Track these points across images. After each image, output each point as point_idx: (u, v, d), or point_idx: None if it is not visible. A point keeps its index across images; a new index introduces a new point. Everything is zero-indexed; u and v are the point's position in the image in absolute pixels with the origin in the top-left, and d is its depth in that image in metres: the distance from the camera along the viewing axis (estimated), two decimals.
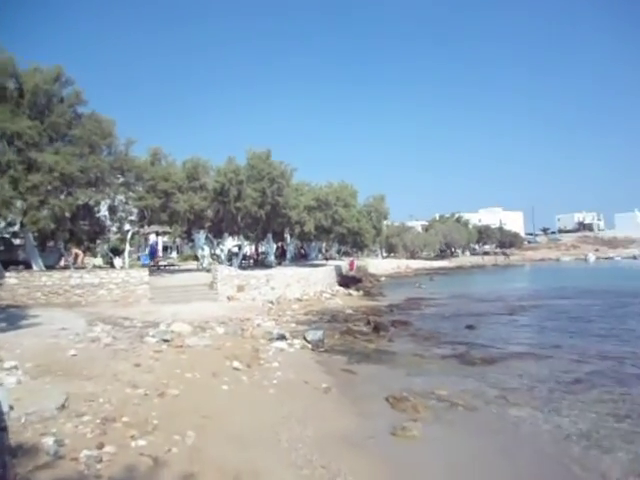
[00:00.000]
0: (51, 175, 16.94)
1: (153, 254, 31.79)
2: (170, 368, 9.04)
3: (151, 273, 20.94)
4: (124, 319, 15.15)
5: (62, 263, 22.75)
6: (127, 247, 23.00)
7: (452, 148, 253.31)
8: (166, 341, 11.83)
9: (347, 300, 25.36)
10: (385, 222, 37.97)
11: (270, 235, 31.81)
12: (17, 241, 22.71)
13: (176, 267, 29.30)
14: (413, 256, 75.93)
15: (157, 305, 18.21)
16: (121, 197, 22.14)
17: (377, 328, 15.21)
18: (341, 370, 9.92)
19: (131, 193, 21.89)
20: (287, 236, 35.42)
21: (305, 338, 13.12)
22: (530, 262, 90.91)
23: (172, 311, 16.71)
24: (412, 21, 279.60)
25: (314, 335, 13.10)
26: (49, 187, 17.01)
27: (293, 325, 15.89)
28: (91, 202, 20.14)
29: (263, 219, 26.24)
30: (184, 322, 14.51)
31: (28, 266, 19.72)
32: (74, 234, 20.13)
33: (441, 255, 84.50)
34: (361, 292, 29.82)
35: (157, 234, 40.23)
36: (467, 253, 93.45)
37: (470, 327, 15.74)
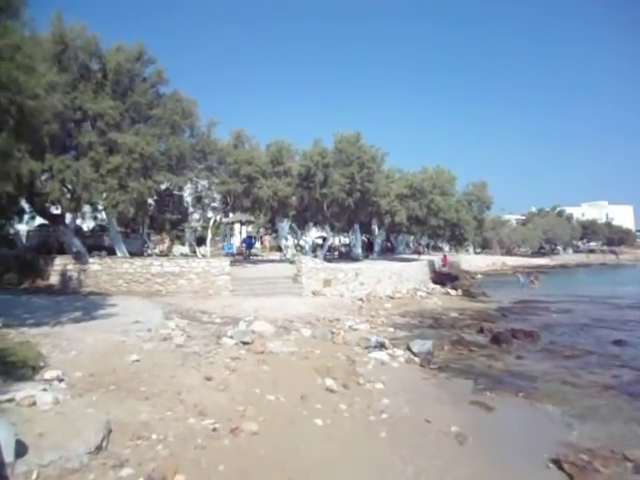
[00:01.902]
0: (131, 157, 15.93)
1: (250, 245, 31.07)
2: (248, 385, 7.04)
3: (233, 263, 19.56)
4: (202, 313, 13.69)
5: (149, 251, 22.23)
6: (209, 235, 21.87)
7: (550, 136, 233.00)
8: (245, 344, 9.98)
9: (446, 300, 22.35)
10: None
11: (357, 226, 29.50)
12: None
13: (259, 257, 28.05)
14: (509, 252, 69.76)
15: (238, 298, 16.68)
16: (204, 182, 21.06)
17: (497, 339, 12.28)
18: (470, 402, 7.32)
19: (214, 178, 20.68)
20: (374, 227, 32.90)
21: (410, 349, 10.62)
22: None
23: (253, 305, 15.05)
24: None
25: (421, 346, 10.56)
26: (129, 169, 16.02)
27: (391, 330, 13.43)
28: (173, 187, 19.12)
29: (351, 207, 23.94)
30: (266, 320, 12.68)
31: (112, 252, 19.21)
32: (156, 220, 19.20)
33: (540, 252, 76.96)
34: (459, 291, 26.48)
35: (241, 223, 39.66)
36: (570, 250, 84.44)
37: (619, 343, 12.27)
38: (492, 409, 7.09)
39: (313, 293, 18.80)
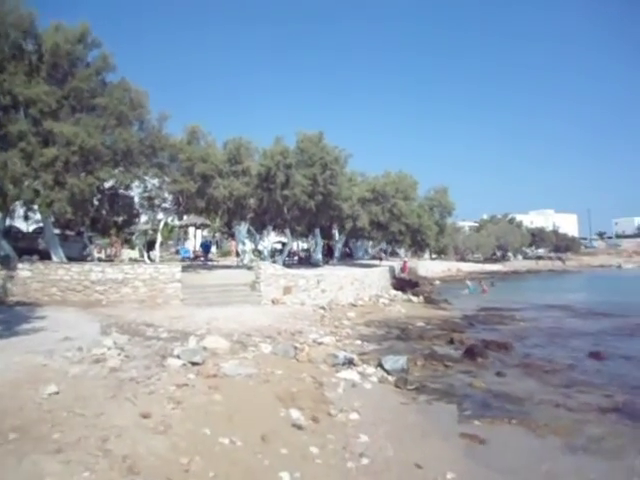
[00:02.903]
0: (69, 149, 14.13)
1: (208, 249, 29.34)
2: (196, 423, 5.70)
3: (185, 269, 17.94)
4: (147, 326, 12.09)
5: (92, 256, 20.11)
6: (159, 238, 20.11)
7: (498, 147, 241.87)
8: (195, 365, 8.57)
9: (409, 308, 21.59)
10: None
11: (318, 230, 28.41)
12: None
13: (214, 263, 26.39)
14: (463, 258, 70.86)
15: (189, 308, 15.13)
16: (154, 181, 19.31)
17: (471, 352, 11.44)
18: (461, 435, 6.30)
19: (165, 177, 18.99)
20: (335, 232, 31.91)
21: (382, 366, 9.57)
22: (588, 268, 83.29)
23: (207, 316, 13.58)
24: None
25: (394, 363, 9.53)
26: (67, 163, 14.20)
27: (358, 342, 12.34)
28: (119, 185, 17.29)
29: (312, 211, 22.79)
30: (220, 334, 11.28)
31: (48, 257, 17.13)
32: (98, 221, 17.30)
33: (492, 258, 78.70)
34: (421, 298, 25.90)
35: (196, 227, 37.68)
36: (519, 257, 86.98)
37: (597, 355, 11.72)
38: (486, 442, 6.09)
39: (272, 302, 17.49)
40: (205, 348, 9.93)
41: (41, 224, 20.08)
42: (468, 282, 34.33)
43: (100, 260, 20.28)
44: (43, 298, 14.90)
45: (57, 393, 6.12)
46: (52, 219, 16.95)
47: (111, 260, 21.20)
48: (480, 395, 8.36)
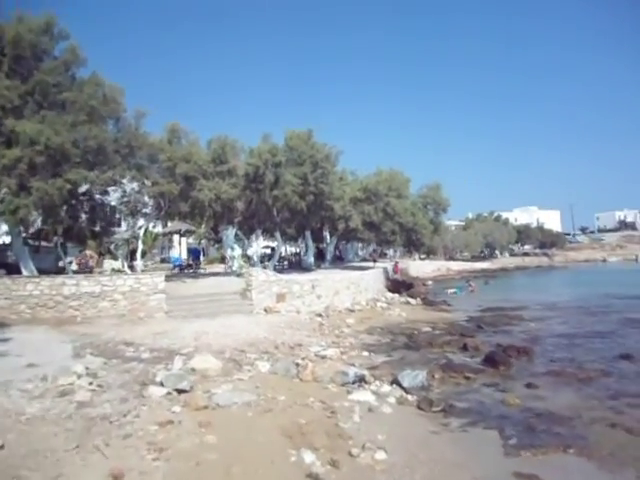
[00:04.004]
0: (33, 149, 12.66)
1: (197, 256, 27.82)
2: None
3: (168, 279, 16.51)
4: (127, 345, 10.70)
5: (68, 267, 18.44)
6: (140, 246, 18.61)
7: (480, 147, 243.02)
8: (182, 392, 7.25)
9: (409, 311, 20.41)
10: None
11: (309, 232, 27.13)
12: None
13: (200, 271, 24.89)
14: (452, 257, 70.17)
15: (175, 321, 13.74)
16: (133, 185, 17.82)
17: (492, 360, 10.28)
18: (514, 475, 5.08)
19: (145, 180, 17.52)
20: (326, 234, 30.65)
21: (399, 383, 8.32)
22: (574, 263, 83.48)
23: (194, 330, 12.23)
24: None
25: (413, 379, 8.30)
26: (31, 165, 12.74)
27: (365, 354, 11.08)
28: (94, 188, 15.77)
29: (303, 212, 21.54)
30: (210, 351, 9.98)
31: (18, 270, 15.54)
32: (71, 229, 15.77)
33: (479, 256, 78.30)
34: (418, 300, 24.77)
35: (180, 234, 36.05)
36: (506, 254, 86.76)
37: (628, 358, 10.66)
38: None
39: (265, 310, 16.15)
40: (193, 370, 8.62)
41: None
42: (449, 290, 31.45)
43: (76, 272, 18.65)
44: (10, 317, 13.36)
45: (1, 447, 4.74)
46: (21, 229, 15.39)
47: (90, 272, 19.53)
48: (518, 415, 7.16)
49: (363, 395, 7.70)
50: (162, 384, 7.46)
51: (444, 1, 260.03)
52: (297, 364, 9.27)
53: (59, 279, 14.16)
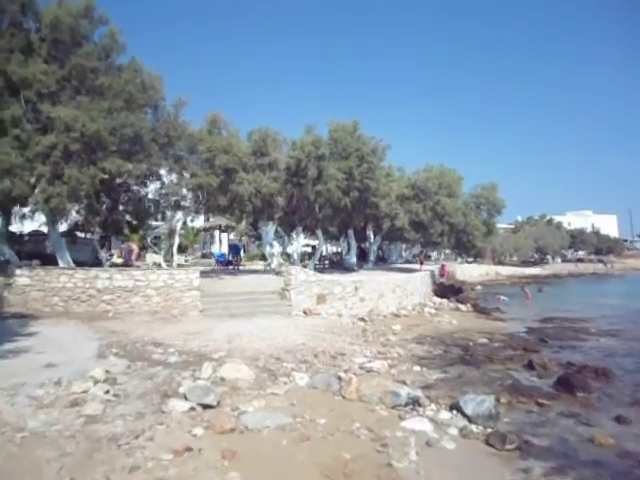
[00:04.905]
0: (68, 136, 12.11)
1: (238, 252, 27.21)
2: None
3: (205, 275, 15.76)
4: (155, 345, 9.88)
5: (107, 260, 18.07)
6: (176, 240, 17.99)
7: (530, 147, 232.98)
8: (207, 407, 6.24)
9: (460, 318, 18.79)
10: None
11: (351, 231, 25.90)
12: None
13: (240, 268, 24.20)
14: (500, 262, 66.97)
15: (209, 320, 12.91)
16: (172, 177, 17.22)
17: (568, 384, 8.74)
18: None
19: (183, 171, 16.88)
20: (370, 233, 29.30)
21: (460, 409, 6.98)
22: (633, 271, 77.93)
23: (228, 332, 11.33)
24: None
25: (478, 406, 6.93)
26: (65, 152, 12.22)
27: (417, 369, 9.73)
28: (131, 179, 15.22)
29: (347, 209, 20.34)
30: (243, 358, 8.98)
31: (55, 261, 15.22)
32: (108, 221, 15.28)
33: (529, 261, 74.45)
34: (469, 306, 23.04)
35: (221, 230, 35.71)
36: (558, 260, 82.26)
37: None
38: None
39: (305, 312, 15.09)
40: (223, 379, 7.62)
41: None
42: (501, 297, 29.32)
43: (115, 266, 18.25)
44: (44, 309, 12.97)
45: None
46: (58, 219, 15.04)
47: (129, 266, 19.11)
48: (615, 461, 5.71)
49: (419, 423, 6.43)
50: (185, 397, 6.48)
51: None
52: (339, 377, 8.08)
53: (93, 272, 13.63)
